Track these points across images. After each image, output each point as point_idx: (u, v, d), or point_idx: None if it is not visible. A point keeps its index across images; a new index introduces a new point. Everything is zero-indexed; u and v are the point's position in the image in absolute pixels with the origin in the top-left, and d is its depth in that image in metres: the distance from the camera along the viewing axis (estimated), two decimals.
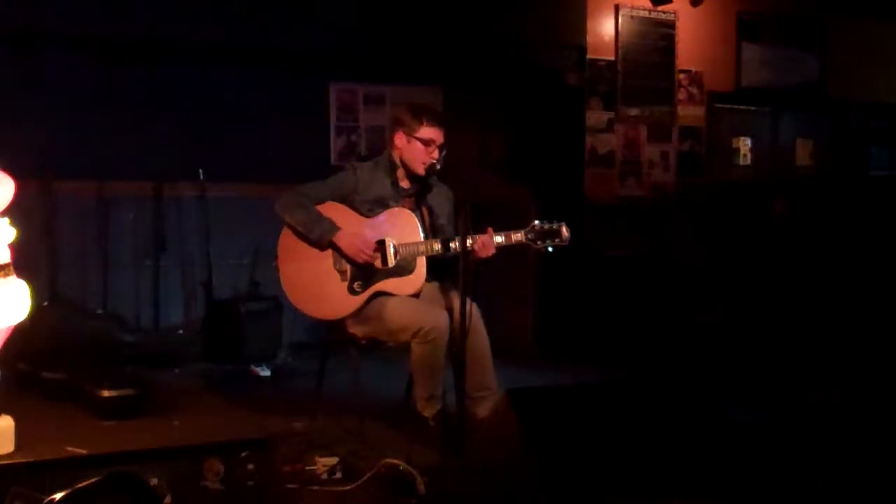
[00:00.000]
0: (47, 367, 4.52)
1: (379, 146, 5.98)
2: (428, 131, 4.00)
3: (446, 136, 4.06)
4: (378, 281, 3.95)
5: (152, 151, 5.67)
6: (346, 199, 4.06)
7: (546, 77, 6.79)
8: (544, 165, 6.77)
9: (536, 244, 3.91)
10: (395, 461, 3.42)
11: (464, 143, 6.26)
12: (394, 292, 3.94)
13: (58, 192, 5.49)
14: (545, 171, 6.73)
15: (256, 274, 5.89)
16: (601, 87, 6.97)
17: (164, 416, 4.23)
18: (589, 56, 6.88)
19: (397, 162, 4.10)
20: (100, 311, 5.55)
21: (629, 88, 7.07)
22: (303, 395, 4.53)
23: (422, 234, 3.97)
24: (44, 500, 2.71)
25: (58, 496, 2.64)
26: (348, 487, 3.38)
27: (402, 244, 3.96)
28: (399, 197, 4.08)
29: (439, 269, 4.04)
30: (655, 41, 7.19)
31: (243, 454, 3.48)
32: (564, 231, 3.91)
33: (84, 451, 3.56)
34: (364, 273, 3.95)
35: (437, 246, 3.92)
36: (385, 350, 4.09)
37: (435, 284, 4.05)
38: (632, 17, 7.06)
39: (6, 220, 3.45)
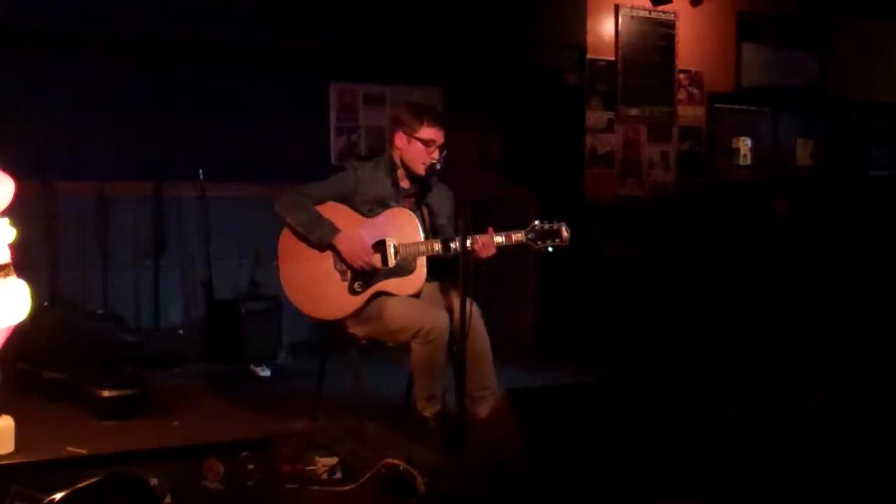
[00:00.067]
0: (47, 367, 4.52)
1: (379, 146, 6.00)
2: (428, 131, 4.00)
3: (446, 136, 4.06)
4: (378, 281, 3.96)
5: (152, 151, 5.68)
6: (347, 199, 4.06)
7: (546, 77, 6.79)
8: (544, 165, 6.77)
9: (537, 244, 3.92)
10: (395, 461, 3.43)
11: (464, 143, 6.26)
12: (394, 292, 3.95)
13: (58, 192, 5.49)
14: (545, 171, 6.73)
15: (256, 274, 5.89)
16: (601, 87, 6.96)
17: (164, 416, 4.23)
18: (589, 56, 6.87)
19: (397, 162, 4.10)
20: (100, 311, 5.56)
21: (629, 88, 7.07)
22: (303, 395, 4.53)
23: (422, 235, 3.97)
24: (44, 500, 2.71)
25: (58, 496, 2.64)
26: (348, 487, 3.38)
27: (402, 244, 3.96)
28: (399, 197, 4.08)
29: (440, 269, 4.04)
30: (655, 41, 7.19)
31: (243, 454, 3.48)
32: (564, 231, 3.91)
33: (84, 451, 3.56)
34: (364, 273, 3.95)
35: (438, 246, 3.92)
36: (385, 350, 4.09)
37: (435, 284, 4.05)
38: (632, 17, 7.06)
39: (6, 220, 3.46)
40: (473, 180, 6.03)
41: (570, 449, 2.81)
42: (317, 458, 3.51)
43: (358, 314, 3.98)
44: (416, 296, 3.98)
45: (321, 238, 3.96)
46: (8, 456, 3.47)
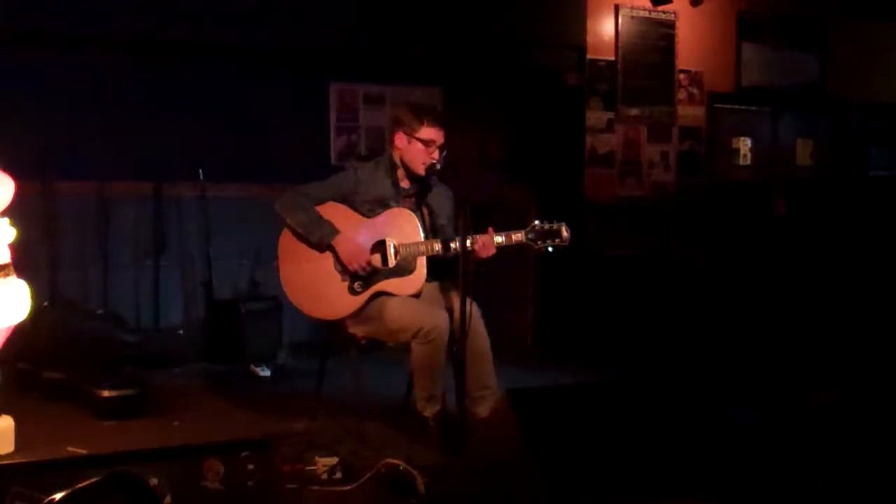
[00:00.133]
0: (47, 367, 4.52)
1: (379, 146, 6.00)
2: (428, 131, 4.00)
3: (446, 136, 4.06)
4: (378, 281, 3.96)
5: (152, 151, 5.68)
6: (347, 200, 4.06)
7: (546, 77, 6.79)
8: (544, 165, 6.77)
9: (537, 244, 3.91)
10: (395, 461, 3.43)
11: (464, 143, 6.26)
12: (394, 292, 3.95)
13: (58, 192, 5.49)
14: (545, 171, 6.73)
15: (256, 274, 5.89)
16: (601, 87, 6.96)
17: (164, 416, 4.23)
18: (589, 56, 6.87)
19: (397, 162, 4.10)
20: (100, 311, 5.56)
21: (629, 88, 7.07)
22: (303, 395, 4.53)
23: (422, 235, 3.97)
24: (44, 500, 2.71)
25: (58, 496, 2.64)
26: (348, 487, 3.38)
27: (402, 244, 3.96)
28: (399, 197, 4.08)
29: (440, 269, 4.04)
30: (655, 41, 7.19)
31: (243, 454, 3.48)
32: (564, 231, 3.91)
33: (84, 451, 3.56)
34: (364, 273, 3.95)
35: (438, 246, 3.92)
36: (385, 350, 4.09)
37: (435, 284, 4.05)
38: (632, 17, 7.06)
39: (6, 220, 3.46)
40: (473, 180, 6.03)
41: (570, 449, 2.81)
42: (317, 458, 3.51)
43: (358, 314, 3.98)
44: (417, 296, 3.97)
45: (321, 239, 3.96)
46: (8, 456, 3.47)
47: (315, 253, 4.00)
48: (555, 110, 6.86)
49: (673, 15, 7.20)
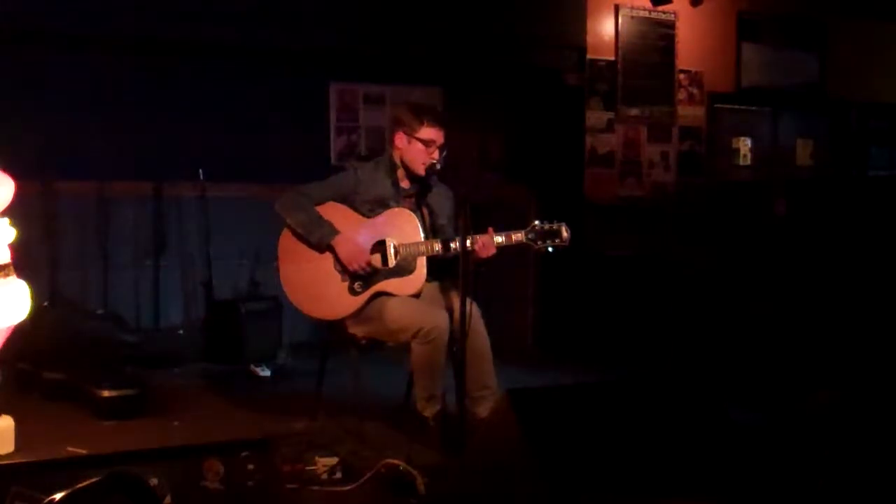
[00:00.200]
0: (47, 367, 4.52)
1: (379, 146, 6.00)
2: (428, 132, 4.00)
3: (446, 136, 4.05)
4: (378, 281, 3.96)
5: (152, 151, 5.68)
6: (347, 200, 4.06)
7: (546, 77, 6.79)
8: (544, 165, 6.77)
9: (537, 244, 3.91)
10: (395, 461, 3.43)
11: (464, 143, 6.26)
12: (394, 292, 3.95)
13: (58, 192, 5.49)
14: (545, 171, 6.73)
15: (256, 274, 5.89)
16: (601, 87, 6.96)
17: (164, 416, 4.23)
18: (589, 56, 6.87)
19: (397, 162, 4.10)
20: (100, 311, 5.56)
21: (629, 88, 7.07)
22: (303, 395, 4.52)
23: (422, 235, 3.97)
24: (44, 500, 2.71)
25: (58, 496, 2.64)
26: (348, 487, 3.38)
27: (402, 244, 3.96)
28: (399, 197, 4.08)
29: (440, 269, 4.04)
30: (655, 41, 7.19)
31: (243, 454, 3.48)
32: (564, 231, 3.91)
33: (84, 451, 3.56)
34: (364, 274, 3.95)
35: (438, 246, 3.92)
36: (385, 350, 4.09)
37: (435, 284, 4.05)
38: (632, 17, 7.06)
39: (6, 220, 3.46)
40: (473, 180, 6.03)
41: (570, 449, 2.81)
42: (317, 458, 3.51)
43: (358, 314, 3.98)
44: (417, 296, 3.97)
45: (321, 239, 3.96)
46: (8, 456, 3.46)
47: (315, 253, 4.00)
48: (555, 110, 6.86)
49: (673, 15, 7.20)
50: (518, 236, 3.92)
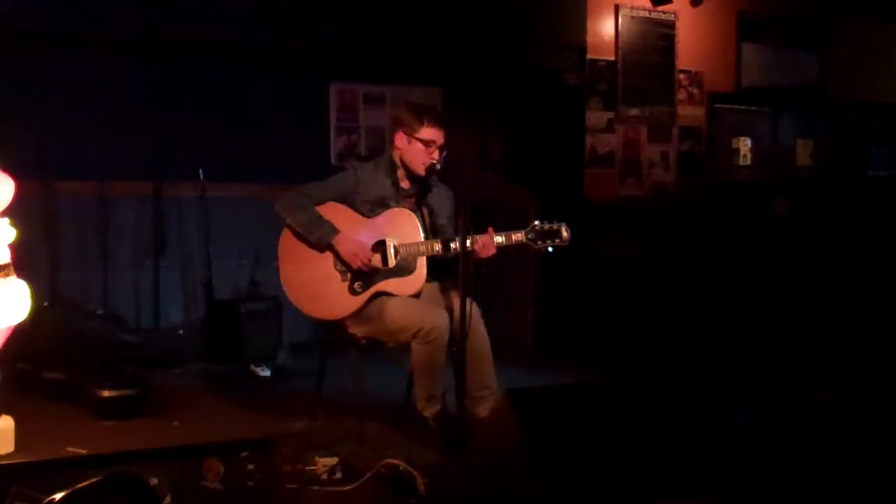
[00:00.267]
0: (47, 367, 4.52)
1: (379, 146, 6.00)
2: (428, 132, 4.00)
3: (446, 137, 4.05)
4: (378, 281, 3.96)
5: (152, 151, 5.68)
6: (347, 200, 4.06)
7: (546, 77, 6.79)
8: (544, 165, 6.77)
9: (537, 244, 3.91)
10: (395, 461, 3.43)
11: (464, 143, 6.26)
12: (394, 292, 3.94)
13: (58, 192, 5.50)
14: (545, 171, 6.73)
15: (256, 274, 5.89)
16: (601, 87, 6.97)
17: (164, 416, 4.23)
18: (589, 56, 6.88)
19: (397, 162, 4.10)
20: (100, 311, 5.56)
21: (629, 88, 7.07)
22: (303, 395, 4.52)
23: (422, 235, 3.97)
24: (44, 500, 2.71)
25: (58, 496, 2.64)
26: (348, 487, 3.38)
27: (402, 244, 3.96)
28: (399, 197, 4.08)
29: (440, 269, 4.04)
30: (655, 41, 7.19)
31: (243, 454, 3.48)
32: (564, 231, 3.91)
33: (84, 451, 3.56)
34: (364, 273, 3.95)
35: (438, 246, 3.92)
36: (385, 350, 4.09)
37: (435, 285, 4.05)
38: (632, 17, 7.06)
39: (6, 220, 3.46)
40: (473, 180, 6.03)
41: (570, 449, 2.82)
42: (317, 458, 3.51)
43: (358, 314, 3.98)
44: (417, 296, 3.97)
45: (320, 239, 3.96)
46: (8, 456, 3.46)
47: (315, 253, 4.00)
48: (555, 110, 6.86)
49: (673, 15, 7.20)
50: (518, 236, 3.92)
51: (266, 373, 5.35)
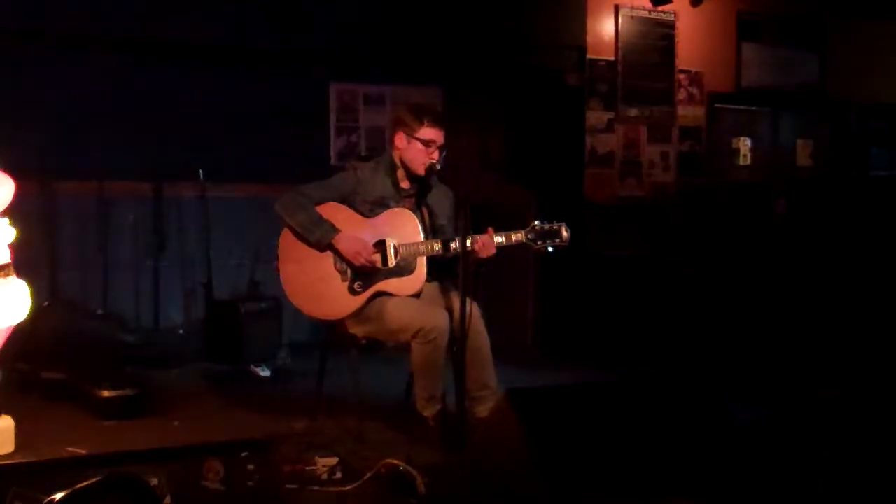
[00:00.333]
0: (47, 367, 4.51)
1: (379, 146, 6.00)
2: (428, 132, 4.00)
3: (446, 137, 4.05)
4: (378, 281, 3.95)
5: (152, 151, 5.68)
6: (347, 200, 4.06)
7: (546, 77, 6.79)
8: (544, 165, 6.77)
9: (536, 244, 3.91)
10: (395, 461, 3.42)
11: (464, 143, 6.26)
12: (394, 292, 3.94)
13: (58, 192, 5.50)
14: (545, 171, 6.73)
15: (256, 274, 5.89)
16: (601, 87, 6.97)
17: (164, 416, 4.22)
18: (589, 56, 6.88)
19: (397, 162, 4.10)
20: (100, 311, 5.56)
21: (629, 88, 7.07)
22: (303, 395, 4.53)
23: (422, 235, 3.97)
24: (44, 500, 2.71)
25: (58, 496, 2.64)
26: (348, 487, 3.38)
27: (402, 244, 3.96)
28: (399, 197, 4.08)
29: (440, 269, 4.04)
30: (655, 41, 7.19)
31: (243, 454, 3.47)
32: (564, 231, 3.91)
33: (84, 451, 3.56)
34: (364, 273, 3.95)
35: (438, 246, 3.92)
36: (385, 350, 4.09)
37: (435, 285, 4.05)
38: (632, 17, 7.06)
39: (6, 220, 3.45)
40: (473, 180, 6.04)
41: (569, 449, 2.82)
42: (317, 458, 3.51)
43: (358, 314, 3.97)
44: (417, 296, 3.97)
45: (320, 238, 3.96)
46: (8, 456, 3.46)
47: (315, 252, 3.99)
48: (555, 110, 6.86)
49: (673, 15, 7.20)
50: (518, 236, 3.92)
51: (266, 373, 5.35)
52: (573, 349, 6.06)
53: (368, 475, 3.41)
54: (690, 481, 2.87)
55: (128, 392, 4.20)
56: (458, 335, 3.56)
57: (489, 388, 3.90)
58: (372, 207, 4.03)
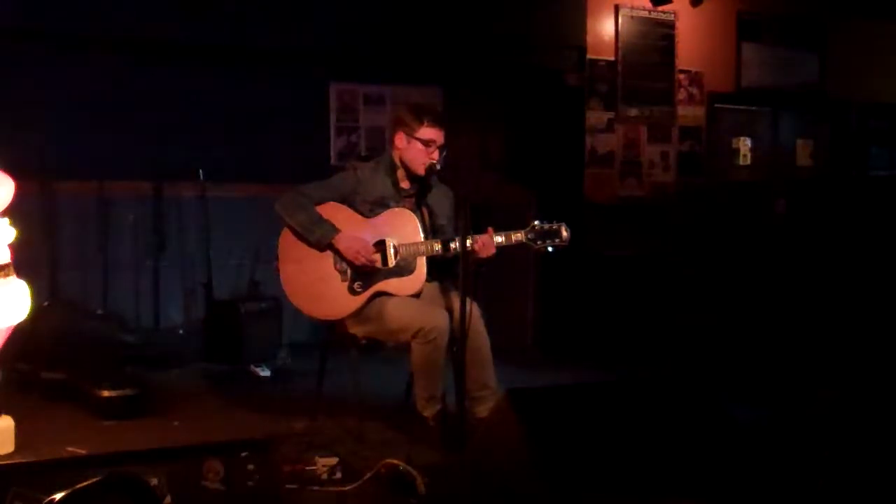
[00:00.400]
0: (47, 367, 4.52)
1: (379, 146, 6.00)
2: (428, 132, 4.00)
3: (446, 137, 4.05)
4: (378, 281, 3.95)
5: (152, 151, 5.68)
6: (347, 200, 4.06)
7: (546, 77, 6.79)
8: (544, 165, 6.77)
9: (536, 244, 3.91)
10: (395, 461, 3.42)
11: (464, 143, 6.26)
12: (394, 292, 3.95)
13: (58, 192, 5.50)
14: (545, 171, 6.73)
15: (256, 274, 5.89)
16: (601, 87, 6.97)
17: (164, 416, 4.22)
18: (589, 56, 6.88)
19: (397, 162, 4.10)
20: (100, 311, 5.56)
21: (629, 88, 7.07)
22: (303, 395, 4.53)
23: (422, 235, 3.97)
24: (44, 500, 2.71)
25: (58, 496, 2.64)
26: (348, 487, 3.38)
27: (402, 244, 3.96)
28: (399, 197, 4.08)
29: (440, 269, 4.04)
30: (655, 41, 7.19)
31: (243, 454, 3.47)
32: (564, 231, 3.91)
33: (84, 451, 3.56)
34: (364, 273, 3.95)
35: (438, 246, 3.92)
36: (385, 350, 4.09)
37: (435, 285, 4.05)
38: (632, 17, 7.06)
39: (6, 220, 3.45)
40: (473, 180, 6.04)
41: (570, 449, 2.82)
42: (317, 458, 3.51)
43: (358, 314, 3.97)
44: (417, 296, 3.97)
45: (321, 238, 3.96)
46: (8, 456, 3.46)
47: (315, 252, 4.00)
48: (555, 110, 6.86)
49: (673, 15, 7.20)
50: (518, 236, 3.92)
51: (266, 373, 5.35)
52: (573, 349, 6.06)
53: (368, 475, 3.41)
54: (690, 481, 2.86)
55: (128, 392, 4.20)
56: (458, 335, 3.56)
57: (489, 388, 3.91)
58: (372, 207, 4.03)
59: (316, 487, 3.38)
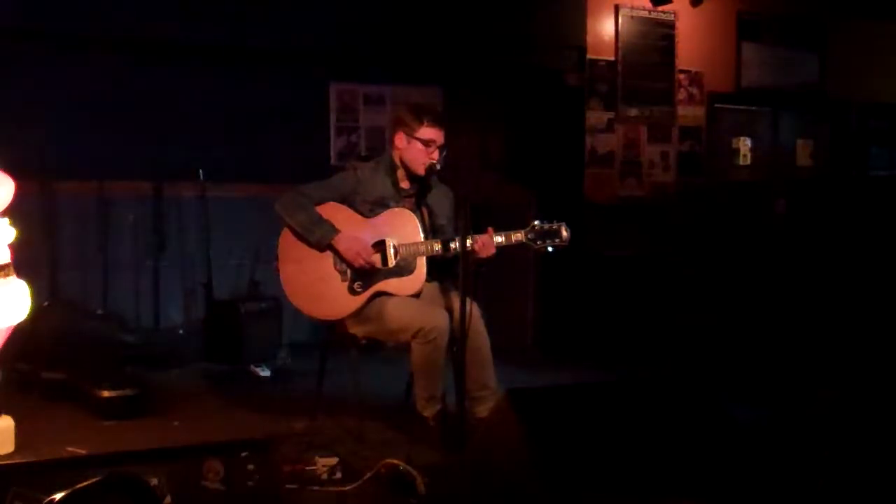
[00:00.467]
0: (47, 367, 4.52)
1: (379, 146, 6.01)
2: (428, 132, 4.00)
3: (446, 136, 4.05)
4: (378, 281, 3.95)
5: (152, 151, 5.68)
6: (347, 200, 4.06)
7: (546, 77, 6.79)
8: (544, 165, 6.77)
9: (536, 244, 3.91)
10: (395, 461, 3.42)
11: (464, 143, 6.26)
12: (394, 292, 3.94)
13: (58, 192, 5.50)
14: (545, 171, 6.73)
15: (256, 274, 5.89)
16: (601, 87, 6.96)
17: (164, 416, 4.23)
18: (589, 56, 6.88)
19: (397, 162, 4.10)
20: (100, 311, 5.56)
21: (629, 88, 7.07)
22: (303, 395, 4.53)
23: (422, 235, 3.97)
24: (44, 500, 2.71)
25: (58, 496, 2.64)
26: (348, 487, 3.38)
27: (402, 244, 3.96)
28: (399, 197, 4.08)
29: (440, 269, 4.04)
30: (655, 41, 7.19)
31: (243, 454, 3.47)
32: (564, 231, 3.91)
33: (84, 451, 3.56)
34: (364, 273, 3.95)
35: (438, 246, 3.92)
36: (385, 350, 4.08)
37: (435, 285, 4.05)
38: (632, 17, 7.06)
39: (6, 220, 3.46)
40: (473, 180, 6.04)
41: (570, 449, 2.81)
42: (317, 458, 3.51)
43: (358, 314, 3.97)
44: (416, 296, 3.97)
45: (321, 238, 3.96)
46: (8, 456, 3.46)
47: (315, 253, 3.99)
48: (555, 110, 6.86)
49: (673, 15, 7.20)
50: (518, 236, 3.92)
51: (266, 373, 5.35)
52: (573, 349, 6.06)
53: (368, 475, 3.41)
54: (690, 481, 2.86)
55: (128, 392, 4.21)
56: (458, 335, 3.56)
57: (489, 388, 3.91)
58: (372, 207, 4.03)
59: (316, 487, 3.38)
